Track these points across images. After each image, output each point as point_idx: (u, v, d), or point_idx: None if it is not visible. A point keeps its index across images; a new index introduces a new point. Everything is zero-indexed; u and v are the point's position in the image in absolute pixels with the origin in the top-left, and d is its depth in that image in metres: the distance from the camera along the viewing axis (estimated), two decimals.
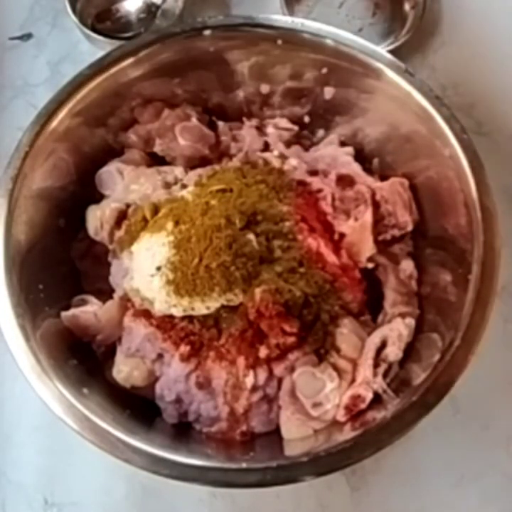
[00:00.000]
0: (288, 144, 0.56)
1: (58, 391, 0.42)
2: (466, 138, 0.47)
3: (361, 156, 0.56)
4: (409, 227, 0.52)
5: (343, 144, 0.57)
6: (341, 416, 0.45)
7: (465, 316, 0.43)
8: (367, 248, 0.51)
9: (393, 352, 0.46)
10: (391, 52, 0.52)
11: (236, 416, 0.46)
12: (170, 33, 0.53)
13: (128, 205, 0.53)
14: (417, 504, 0.53)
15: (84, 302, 0.51)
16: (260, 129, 0.57)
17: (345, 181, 0.53)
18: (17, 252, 0.47)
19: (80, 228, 0.54)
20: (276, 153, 0.55)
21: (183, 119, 0.55)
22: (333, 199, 0.52)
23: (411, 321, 0.49)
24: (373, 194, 0.52)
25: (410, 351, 0.47)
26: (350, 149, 0.56)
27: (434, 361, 0.43)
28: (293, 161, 0.54)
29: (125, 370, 0.48)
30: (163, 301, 0.46)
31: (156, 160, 0.57)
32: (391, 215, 0.52)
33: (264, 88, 0.56)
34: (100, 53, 0.52)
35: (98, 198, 0.55)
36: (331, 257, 0.49)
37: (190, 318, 0.46)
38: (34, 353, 0.43)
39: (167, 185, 0.54)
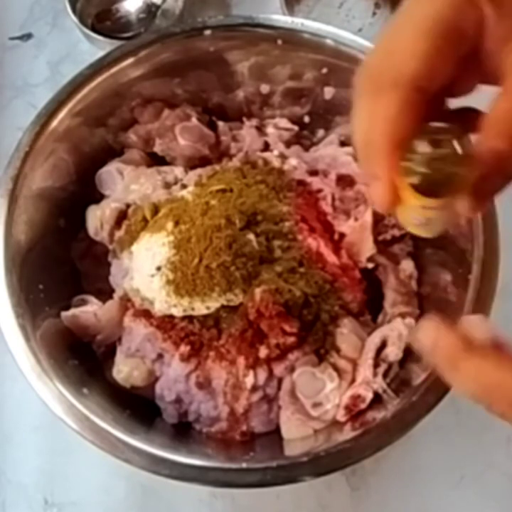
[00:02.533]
0: (288, 144, 0.56)
1: (58, 391, 0.42)
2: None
3: None
4: None
5: (343, 144, 0.57)
6: (341, 416, 0.45)
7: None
8: (367, 248, 0.51)
9: (393, 352, 0.46)
10: None
11: (236, 416, 0.46)
12: (170, 33, 0.53)
13: (128, 205, 0.53)
14: (417, 504, 0.53)
15: (84, 302, 0.51)
16: (260, 129, 0.57)
17: (345, 181, 0.53)
18: (17, 252, 0.47)
19: (80, 228, 0.54)
20: (276, 153, 0.55)
21: (183, 119, 0.55)
22: (333, 199, 0.52)
23: (411, 321, 0.49)
24: None
25: (410, 351, 0.47)
26: (350, 149, 0.56)
27: None
28: (293, 161, 0.54)
29: (125, 370, 0.48)
30: (163, 301, 0.46)
31: (156, 160, 0.57)
32: (391, 215, 0.52)
33: (264, 88, 0.56)
34: (100, 53, 0.52)
35: (98, 198, 0.55)
36: (331, 257, 0.49)
37: (190, 318, 0.46)
38: (34, 353, 0.43)
39: (167, 185, 0.54)
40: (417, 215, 0.26)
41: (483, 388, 0.26)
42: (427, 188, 0.24)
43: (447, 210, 0.25)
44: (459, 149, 0.24)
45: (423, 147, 0.25)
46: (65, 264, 0.54)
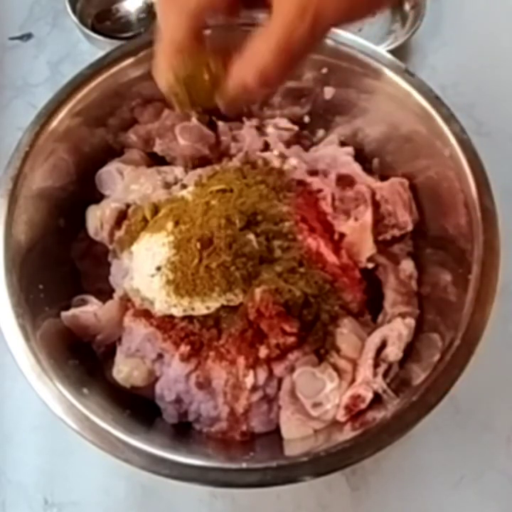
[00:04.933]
0: (288, 144, 0.56)
1: (58, 391, 0.42)
2: (466, 138, 0.47)
3: (361, 156, 0.56)
4: (409, 227, 0.52)
5: (343, 144, 0.57)
6: (341, 416, 0.45)
7: (465, 316, 0.43)
8: (367, 248, 0.51)
9: (393, 352, 0.46)
10: (391, 52, 0.52)
11: (236, 416, 0.46)
12: None
13: (128, 205, 0.53)
14: (417, 504, 0.53)
15: (84, 302, 0.51)
16: (260, 129, 0.57)
17: (345, 181, 0.53)
18: (17, 252, 0.47)
19: (80, 228, 0.54)
20: (276, 153, 0.55)
21: (183, 119, 0.55)
22: (333, 199, 0.52)
23: (411, 321, 0.49)
24: (373, 194, 0.52)
25: (410, 351, 0.47)
26: (350, 149, 0.56)
27: (434, 361, 0.43)
28: (293, 161, 0.54)
29: (125, 370, 0.48)
30: (163, 301, 0.46)
31: (156, 160, 0.57)
32: (391, 215, 0.52)
33: None
34: (100, 53, 0.52)
35: (98, 198, 0.55)
36: (331, 257, 0.49)
37: (190, 318, 0.46)
38: (34, 353, 0.43)
39: (167, 185, 0.54)
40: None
41: None
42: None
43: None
44: (207, 74, 0.34)
45: (184, 67, 0.34)
46: (65, 264, 0.54)
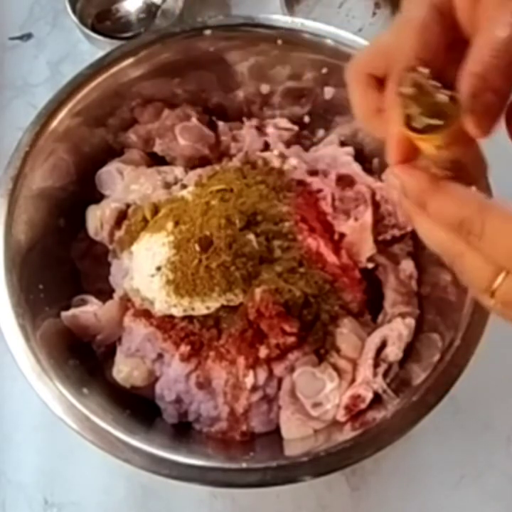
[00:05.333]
0: (288, 144, 0.56)
1: (58, 391, 0.42)
2: None
3: (361, 156, 0.56)
4: (409, 227, 0.52)
5: (343, 144, 0.57)
6: (341, 416, 0.45)
7: (465, 316, 0.43)
8: (367, 248, 0.51)
9: (393, 352, 0.46)
10: None
11: (236, 416, 0.46)
12: (170, 33, 0.53)
13: (128, 205, 0.53)
14: (417, 504, 0.53)
15: (84, 302, 0.51)
16: (260, 129, 0.57)
17: (345, 181, 0.53)
18: (17, 252, 0.47)
19: (80, 228, 0.54)
20: (276, 153, 0.55)
21: (183, 119, 0.55)
22: (333, 199, 0.52)
23: (411, 321, 0.49)
24: (373, 194, 0.52)
25: (410, 351, 0.47)
26: (350, 149, 0.56)
27: (434, 361, 0.43)
28: (293, 161, 0.54)
29: (125, 370, 0.48)
30: (163, 301, 0.46)
31: (156, 160, 0.57)
32: (391, 215, 0.52)
33: (264, 88, 0.56)
34: (100, 53, 0.52)
35: (98, 198, 0.55)
36: (331, 257, 0.49)
37: (190, 318, 0.46)
38: (34, 353, 0.43)
39: (167, 185, 0.54)
40: (437, 160, 0.28)
41: (446, 228, 0.27)
42: (428, 129, 0.26)
43: (457, 140, 0.27)
44: (441, 88, 0.26)
45: (410, 90, 0.26)
46: (65, 264, 0.54)
